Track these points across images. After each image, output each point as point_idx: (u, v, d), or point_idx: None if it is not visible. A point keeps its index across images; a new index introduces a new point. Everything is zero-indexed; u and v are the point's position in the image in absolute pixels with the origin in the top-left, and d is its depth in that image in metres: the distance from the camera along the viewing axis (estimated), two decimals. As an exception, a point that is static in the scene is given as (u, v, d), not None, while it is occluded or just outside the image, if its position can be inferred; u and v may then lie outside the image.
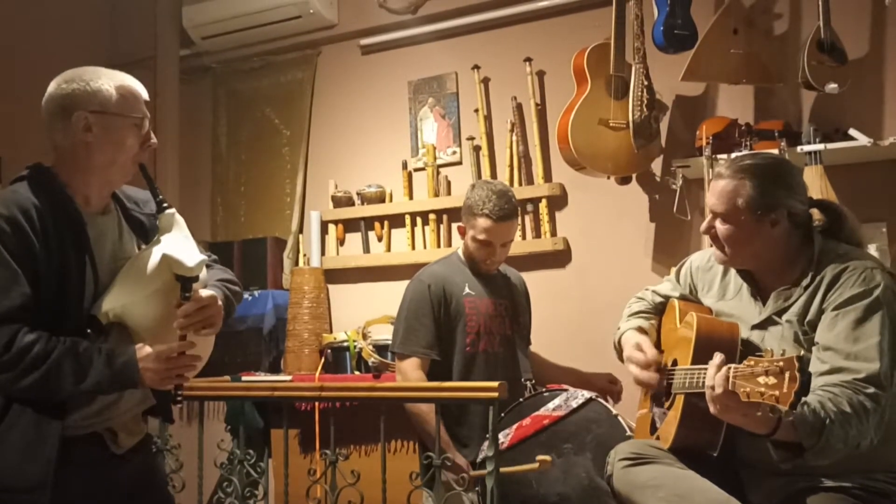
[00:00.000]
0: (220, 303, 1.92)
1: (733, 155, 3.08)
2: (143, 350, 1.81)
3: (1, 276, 1.75)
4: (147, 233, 1.98)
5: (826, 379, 1.84)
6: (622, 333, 2.32)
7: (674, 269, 2.39)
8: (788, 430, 1.77)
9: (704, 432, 1.96)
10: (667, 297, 2.32)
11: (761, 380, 1.66)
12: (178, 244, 1.89)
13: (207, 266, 2.02)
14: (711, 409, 1.79)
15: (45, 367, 1.73)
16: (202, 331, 1.90)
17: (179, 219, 1.97)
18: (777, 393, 1.62)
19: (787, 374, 1.62)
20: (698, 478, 1.94)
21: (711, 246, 2.15)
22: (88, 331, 1.83)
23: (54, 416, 1.78)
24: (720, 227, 2.04)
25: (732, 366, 1.76)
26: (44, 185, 1.85)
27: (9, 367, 1.73)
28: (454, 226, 3.88)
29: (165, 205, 1.95)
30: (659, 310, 2.34)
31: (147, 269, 1.85)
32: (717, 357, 1.80)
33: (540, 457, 2.38)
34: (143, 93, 1.96)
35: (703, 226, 2.09)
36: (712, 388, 1.77)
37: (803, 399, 1.78)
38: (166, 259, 1.83)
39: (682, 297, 2.28)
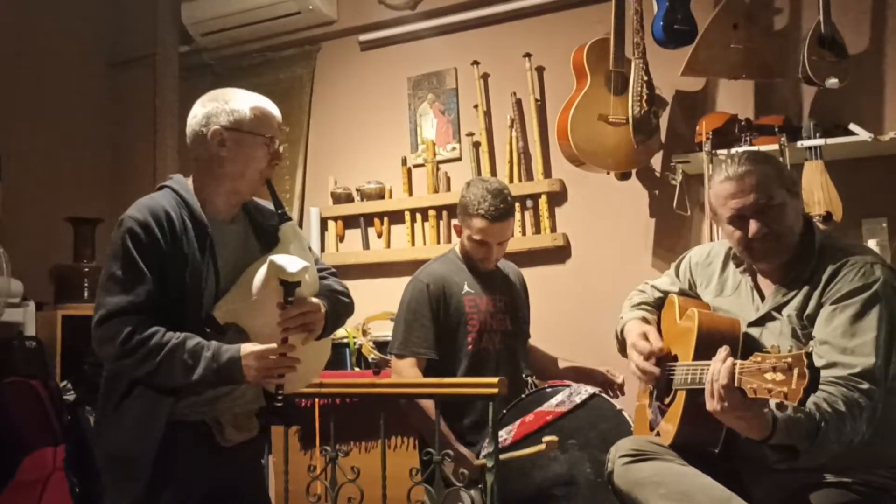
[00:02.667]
0: (322, 310, 2.06)
1: (732, 151, 3.08)
2: (247, 348, 1.95)
3: (130, 274, 1.95)
4: (272, 243, 2.13)
5: (821, 374, 1.83)
6: (625, 323, 2.29)
7: (673, 265, 2.38)
8: (783, 434, 1.76)
9: (706, 429, 1.94)
10: (666, 293, 2.31)
11: (768, 376, 1.63)
12: (289, 253, 2.06)
13: (323, 278, 2.20)
14: (709, 405, 1.77)
15: (160, 358, 1.91)
16: (302, 335, 2.03)
17: (298, 230, 2.20)
18: (785, 389, 1.59)
19: (795, 371, 1.59)
20: (700, 474, 1.93)
21: (711, 241, 2.14)
22: (207, 330, 1.99)
23: (168, 402, 1.96)
24: (770, 220, 1.96)
25: (738, 362, 1.73)
26: (179, 193, 2.05)
27: (128, 354, 1.92)
28: (454, 222, 3.87)
29: (287, 217, 2.16)
30: (658, 305, 2.33)
31: (258, 275, 2.01)
32: (723, 351, 1.77)
33: (546, 438, 2.38)
34: (277, 115, 2.13)
35: (755, 228, 1.96)
36: (714, 382, 1.74)
37: None
38: (272, 265, 1.98)
39: (682, 293, 2.27)
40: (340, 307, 2.19)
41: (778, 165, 2.06)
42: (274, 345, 1.97)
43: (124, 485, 1.98)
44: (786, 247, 2.00)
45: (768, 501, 1.94)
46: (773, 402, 1.72)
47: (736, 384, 1.70)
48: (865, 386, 1.80)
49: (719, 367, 1.74)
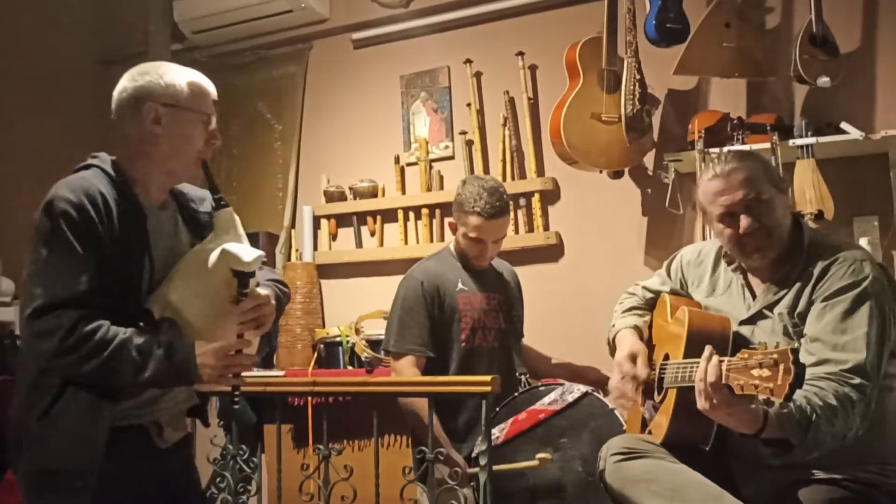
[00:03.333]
0: (273, 303, 1.93)
1: (725, 150, 3.09)
2: (201, 346, 1.81)
3: (68, 261, 1.77)
4: (202, 230, 1.99)
5: (812, 371, 1.84)
6: (617, 331, 2.30)
7: (664, 264, 2.38)
8: (775, 428, 1.77)
9: (697, 426, 1.96)
10: (657, 293, 2.32)
11: (755, 372, 1.65)
12: (236, 241, 1.92)
13: (259, 267, 2.00)
14: (699, 404, 1.78)
15: (106, 356, 1.74)
16: (255, 329, 1.90)
17: (236, 218, 1.99)
18: (771, 385, 1.61)
19: (781, 367, 1.61)
20: (691, 472, 1.94)
21: (704, 240, 2.15)
22: (141, 324, 1.83)
23: (106, 404, 1.79)
24: (759, 215, 1.98)
25: (725, 359, 1.75)
26: (109, 174, 1.88)
27: (70, 351, 1.74)
28: (447, 220, 3.87)
29: (224, 203, 1.98)
30: (650, 305, 2.34)
31: (204, 264, 1.86)
32: (708, 350, 1.79)
33: (540, 455, 2.38)
34: (213, 91, 1.98)
35: (746, 223, 1.98)
36: (703, 380, 1.76)
37: None
38: (225, 254, 1.84)
39: (673, 292, 2.27)
40: (283, 297, 2.04)
41: (763, 162, 2.07)
42: (233, 341, 1.84)
43: (63, 501, 1.79)
44: (776, 242, 2.02)
45: (759, 498, 1.95)
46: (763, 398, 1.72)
47: (723, 381, 1.72)
48: (857, 381, 1.82)
49: (706, 365, 1.76)
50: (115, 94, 1.93)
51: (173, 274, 1.88)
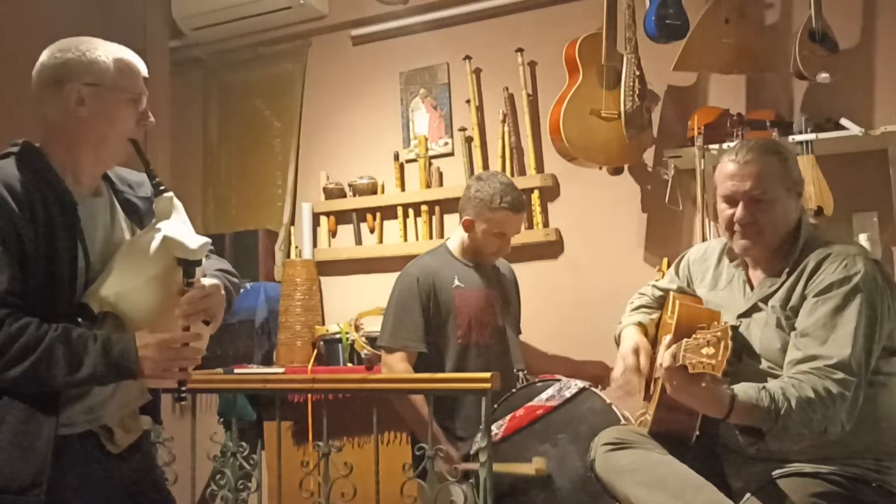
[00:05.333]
0: (222, 293, 1.81)
1: (724, 146, 3.09)
2: (143, 338, 1.68)
3: None
4: (141, 217, 1.86)
5: (798, 367, 1.87)
6: (623, 328, 2.34)
7: (674, 263, 2.40)
8: (745, 415, 1.80)
9: (681, 414, 1.99)
10: (666, 291, 2.34)
11: (704, 351, 1.72)
12: (179, 227, 1.77)
13: (206, 256, 1.88)
14: (667, 389, 1.83)
15: (36, 356, 1.61)
16: (203, 322, 1.77)
17: (178, 203, 1.84)
18: (713, 362, 1.68)
19: (721, 344, 1.68)
20: (676, 463, 1.97)
21: (703, 235, 2.16)
22: (79, 319, 1.71)
23: (47, 411, 1.65)
24: (758, 210, 2.01)
25: (684, 341, 1.80)
26: (32, 162, 1.74)
27: None
28: (446, 217, 3.88)
29: (163, 187, 1.82)
30: (660, 303, 2.37)
31: (145, 253, 1.72)
32: (667, 338, 1.86)
33: (536, 462, 2.39)
34: (143, 68, 1.84)
35: (741, 214, 2.01)
36: (661, 365, 1.82)
37: (764, 385, 1.83)
38: (167, 241, 1.71)
39: (680, 290, 2.30)
40: (233, 288, 1.90)
41: (784, 161, 2.06)
42: (177, 333, 1.70)
43: None
44: (767, 239, 2.04)
45: (746, 490, 1.97)
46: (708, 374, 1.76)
47: (679, 362, 1.77)
48: (839, 376, 1.83)
49: (662, 350, 1.83)
50: (34, 73, 1.78)
51: (111, 265, 1.74)
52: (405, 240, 3.93)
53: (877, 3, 3.23)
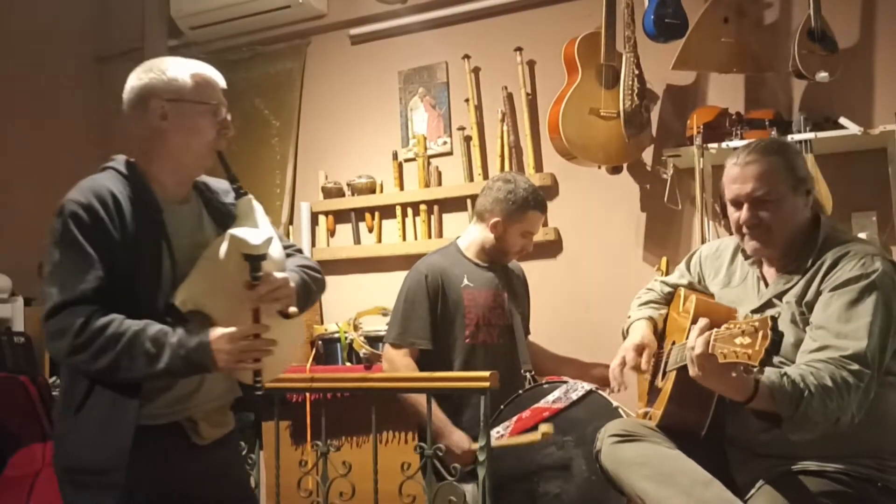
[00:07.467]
0: (292, 285, 1.91)
1: (723, 145, 3.10)
2: (216, 332, 1.80)
3: (77, 261, 1.78)
4: (228, 222, 1.98)
5: (813, 356, 1.87)
6: (631, 322, 2.34)
7: (684, 260, 2.40)
8: (767, 400, 1.80)
9: (693, 409, 1.99)
10: (675, 286, 2.34)
11: (738, 340, 1.72)
12: (248, 227, 1.90)
13: (289, 255, 2.05)
14: (691, 371, 1.83)
15: (119, 349, 1.75)
16: (281, 315, 1.89)
17: (257, 204, 2.00)
18: (750, 351, 1.68)
19: (760, 333, 1.67)
20: (684, 457, 1.97)
21: (728, 236, 2.16)
22: (168, 319, 1.83)
23: (131, 401, 1.79)
24: (763, 211, 2.02)
25: (714, 330, 1.80)
26: (123, 174, 1.90)
27: (84, 348, 1.75)
28: (445, 217, 3.88)
29: (243, 191, 1.99)
30: (668, 300, 2.36)
31: (218, 254, 1.85)
32: (703, 321, 1.84)
33: (543, 427, 2.38)
34: (220, 81, 1.98)
35: (746, 216, 2.02)
36: (693, 349, 1.81)
37: (784, 370, 1.83)
38: (233, 240, 1.83)
39: (690, 286, 2.29)
40: (312, 282, 2.03)
41: (789, 160, 2.06)
42: (246, 326, 1.82)
43: (93, 497, 1.80)
44: (776, 239, 2.04)
45: (751, 487, 1.96)
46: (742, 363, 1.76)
47: (710, 350, 1.77)
48: (855, 367, 1.83)
49: (696, 336, 1.82)
50: (124, 95, 1.94)
51: (196, 267, 1.88)
52: (404, 239, 3.92)
53: (876, 3, 3.22)
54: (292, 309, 1.90)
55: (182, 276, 1.87)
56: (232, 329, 1.80)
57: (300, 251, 2.14)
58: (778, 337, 1.66)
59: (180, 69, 1.93)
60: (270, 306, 1.86)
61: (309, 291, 2.01)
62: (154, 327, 1.78)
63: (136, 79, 1.93)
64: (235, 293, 1.84)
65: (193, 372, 1.83)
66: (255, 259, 1.83)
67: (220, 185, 2.07)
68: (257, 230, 1.88)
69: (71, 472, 1.85)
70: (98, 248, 1.79)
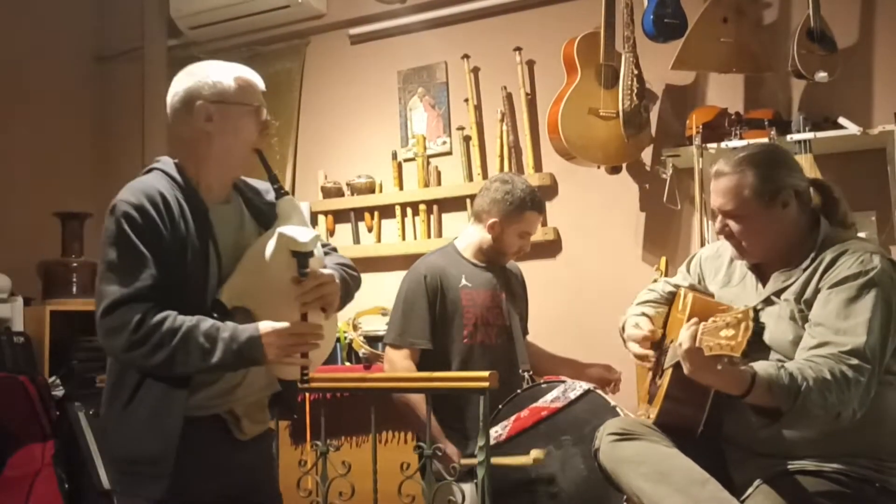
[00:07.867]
0: (337, 281, 1.96)
1: (723, 145, 3.10)
2: (266, 326, 1.85)
3: (131, 259, 1.84)
4: (268, 221, 2.04)
5: (812, 352, 1.87)
6: (625, 319, 2.35)
7: (685, 261, 2.41)
8: (764, 393, 1.80)
9: (688, 405, 2.00)
10: (676, 287, 2.34)
11: (722, 333, 1.74)
12: (293, 225, 1.96)
13: (326, 253, 2.10)
14: (685, 369, 1.84)
15: (174, 344, 1.80)
16: (321, 309, 1.94)
17: (297, 204, 2.08)
18: (733, 343, 1.70)
19: (742, 325, 1.70)
20: (681, 456, 1.97)
21: (719, 239, 2.16)
22: (214, 315, 1.89)
23: (180, 394, 1.86)
24: (734, 224, 2.04)
25: (702, 324, 1.81)
26: (169, 175, 1.95)
27: (141, 343, 1.81)
28: (445, 216, 3.88)
29: (283, 191, 2.04)
30: (668, 300, 2.37)
31: (265, 251, 1.90)
32: (692, 319, 1.86)
33: (534, 452, 2.38)
34: (260, 83, 2.06)
35: (717, 227, 2.08)
36: (680, 346, 1.83)
37: (782, 364, 1.84)
38: (281, 238, 1.88)
39: (691, 287, 2.30)
40: (350, 280, 2.09)
41: (764, 173, 2.02)
42: (296, 321, 1.87)
43: (143, 487, 1.86)
44: (753, 250, 2.06)
45: (748, 486, 1.96)
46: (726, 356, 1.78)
47: (697, 344, 1.79)
48: (854, 361, 1.83)
49: (684, 332, 1.84)
50: (168, 99, 2.00)
51: (240, 265, 1.95)
52: (403, 239, 3.92)
53: (875, 3, 3.22)
54: (330, 311, 1.97)
55: (227, 274, 1.94)
56: (282, 323, 1.86)
57: (335, 250, 2.20)
58: (759, 328, 1.68)
59: (223, 72, 2.01)
60: (315, 303, 1.91)
61: (348, 288, 2.07)
62: (206, 322, 1.84)
63: (180, 83, 1.99)
64: (280, 290, 1.89)
65: (244, 365, 1.88)
66: (303, 256, 1.88)
67: (260, 185, 2.13)
68: (305, 228, 1.94)
69: (121, 462, 1.92)
70: (150, 247, 1.85)
